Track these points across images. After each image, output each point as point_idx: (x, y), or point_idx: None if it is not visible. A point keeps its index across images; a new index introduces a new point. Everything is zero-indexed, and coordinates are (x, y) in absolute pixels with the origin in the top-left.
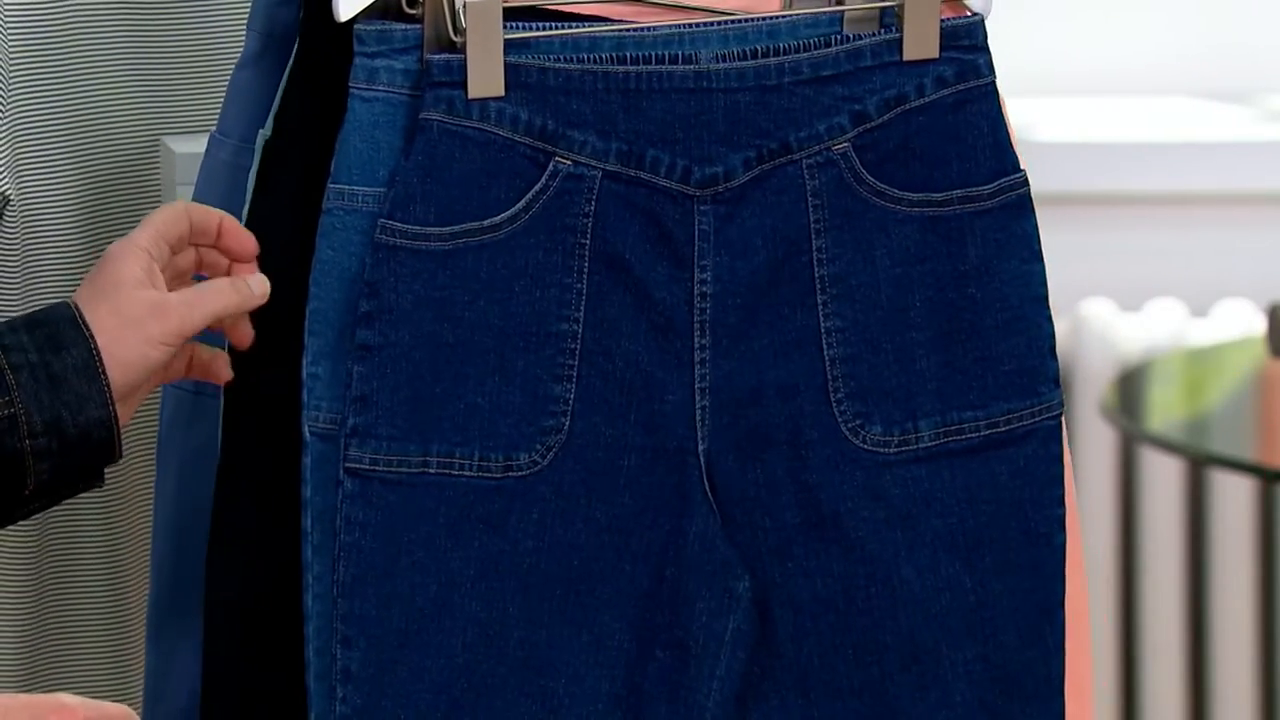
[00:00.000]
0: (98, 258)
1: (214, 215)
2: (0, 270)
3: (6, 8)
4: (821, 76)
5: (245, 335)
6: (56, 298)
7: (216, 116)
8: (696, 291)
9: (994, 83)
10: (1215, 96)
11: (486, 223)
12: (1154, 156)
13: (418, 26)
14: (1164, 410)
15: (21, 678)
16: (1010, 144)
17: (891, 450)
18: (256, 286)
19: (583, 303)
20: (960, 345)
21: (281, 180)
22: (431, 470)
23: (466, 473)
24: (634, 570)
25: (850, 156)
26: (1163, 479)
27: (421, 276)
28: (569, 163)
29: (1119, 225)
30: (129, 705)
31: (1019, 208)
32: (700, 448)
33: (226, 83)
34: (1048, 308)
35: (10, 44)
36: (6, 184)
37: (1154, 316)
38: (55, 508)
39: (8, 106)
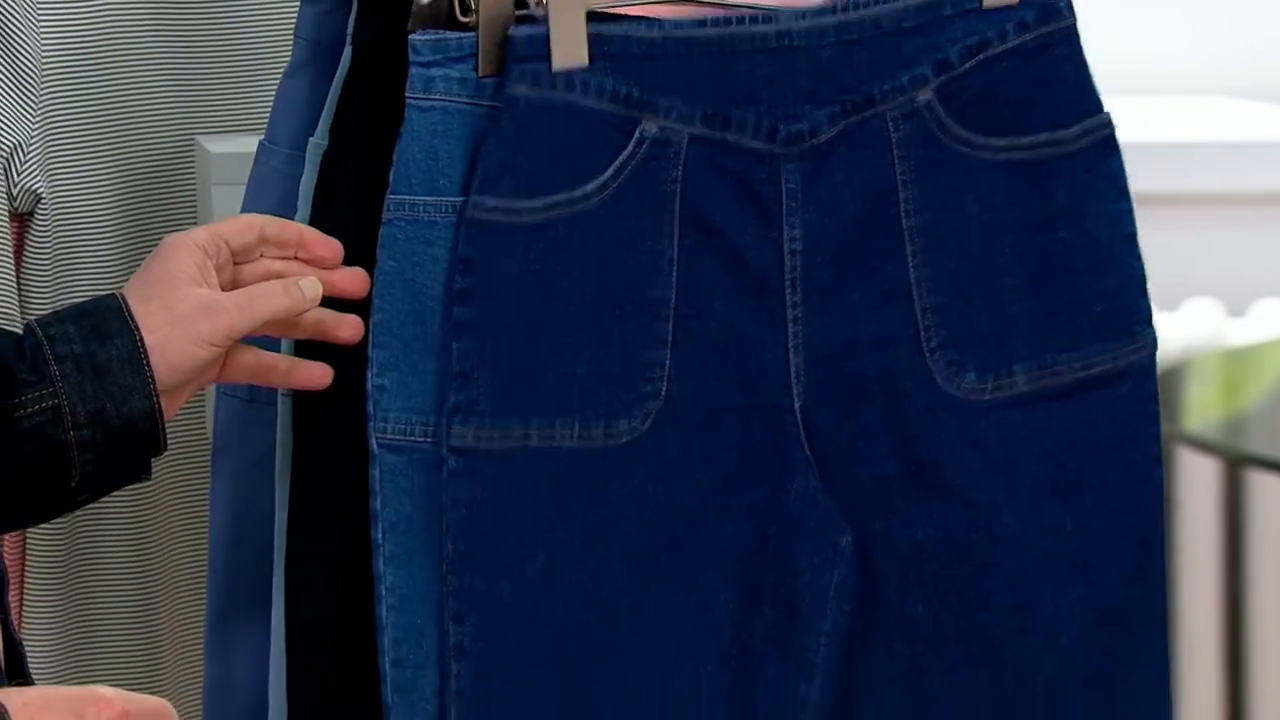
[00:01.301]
0: (129, 257)
1: (292, 228)
2: (32, 267)
3: (40, 6)
4: (903, 28)
5: (317, 376)
6: (87, 295)
7: (251, 117)
8: (787, 249)
9: (1075, 24)
10: (1252, 96)
11: (577, 193)
12: (1191, 156)
13: (472, 34)
14: (1201, 410)
15: (48, 680)
16: (1094, 86)
17: (987, 396)
18: (309, 289)
19: (675, 268)
20: (1052, 288)
21: (341, 192)
22: (533, 442)
23: (568, 443)
24: (737, 530)
25: (934, 106)
26: (1200, 479)
27: (515, 250)
28: (655, 128)
29: (1155, 225)
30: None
31: (1105, 148)
32: (796, 404)
33: (260, 83)
34: (1138, 246)
35: (43, 42)
36: (38, 182)
37: (1191, 316)
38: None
39: (39, 104)
